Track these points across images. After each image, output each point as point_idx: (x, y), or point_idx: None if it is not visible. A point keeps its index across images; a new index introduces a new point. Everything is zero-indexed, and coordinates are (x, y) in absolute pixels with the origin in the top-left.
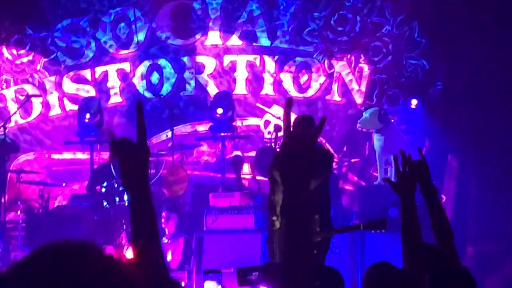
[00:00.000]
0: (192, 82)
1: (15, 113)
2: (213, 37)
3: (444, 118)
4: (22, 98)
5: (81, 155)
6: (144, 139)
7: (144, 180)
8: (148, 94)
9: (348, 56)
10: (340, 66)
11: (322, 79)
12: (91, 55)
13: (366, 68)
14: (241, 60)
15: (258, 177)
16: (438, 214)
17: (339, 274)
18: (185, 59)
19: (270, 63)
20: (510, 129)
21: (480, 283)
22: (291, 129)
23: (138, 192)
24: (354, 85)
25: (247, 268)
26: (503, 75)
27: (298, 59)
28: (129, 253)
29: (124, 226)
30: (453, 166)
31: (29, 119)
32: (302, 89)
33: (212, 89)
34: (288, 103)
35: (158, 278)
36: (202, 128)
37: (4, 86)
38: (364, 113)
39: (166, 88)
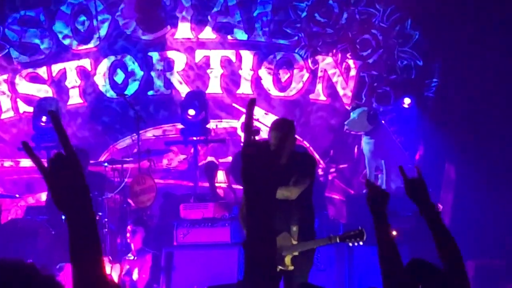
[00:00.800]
0: (160, 81)
1: None
2: (184, 30)
3: (440, 118)
4: None
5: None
6: (71, 150)
7: (80, 197)
8: (111, 94)
9: (334, 51)
10: (325, 62)
11: (305, 76)
12: (47, 51)
13: (353, 64)
14: (215, 56)
15: (234, 186)
16: (442, 236)
17: None
18: (153, 55)
19: (247, 59)
20: None
21: None
22: (253, 135)
23: (75, 211)
24: (340, 83)
25: (222, 286)
26: (506, 72)
27: (278, 54)
28: None
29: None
30: (450, 176)
31: None
32: (282, 87)
33: (183, 88)
34: (250, 104)
35: None
36: (172, 131)
37: None
38: (351, 113)
39: (132, 87)
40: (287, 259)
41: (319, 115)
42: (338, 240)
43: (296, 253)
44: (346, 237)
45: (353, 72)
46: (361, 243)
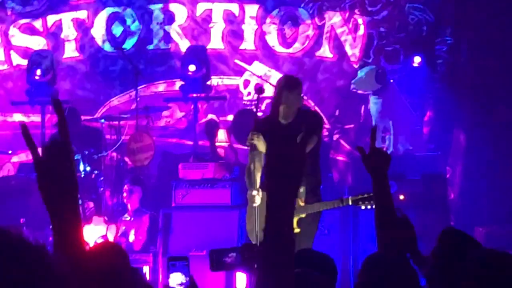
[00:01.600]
0: (160, 35)
1: None
2: None
3: (451, 79)
4: None
5: (32, 118)
6: (68, 142)
7: (68, 195)
8: (109, 48)
9: (342, 6)
10: (331, 18)
11: (311, 32)
12: (43, 1)
13: (361, 20)
14: (218, 9)
15: (235, 145)
16: (384, 218)
17: (331, 260)
18: (153, 7)
19: (251, 13)
20: None
21: None
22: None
23: (60, 207)
24: (348, 40)
25: (222, 249)
26: None
27: (283, 8)
28: (85, 232)
29: (80, 201)
30: (460, 142)
31: None
32: (287, 43)
33: (184, 43)
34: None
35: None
36: (171, 87)
37: None
38: (359, 72)
39: (130, 41)
40: (294, 221)
41: (325, 73)
42: (350, 202)
43: (303, 215)
44: (359, 200)
45: (361, 31)
46: (374, 206)
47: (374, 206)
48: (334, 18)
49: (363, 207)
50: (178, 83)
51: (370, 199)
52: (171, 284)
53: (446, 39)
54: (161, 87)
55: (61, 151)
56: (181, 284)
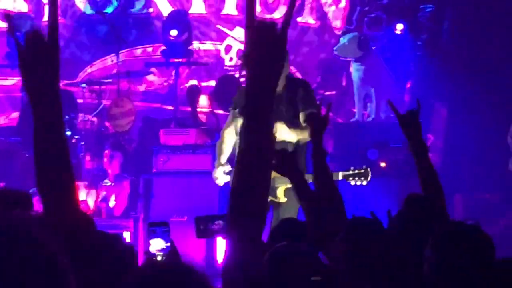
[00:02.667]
0: None
1: None
2: None
3: (434, 47)
4: None
5: (12, 81)
6: (55, 37)
7: (53, 87)
8: (90, 12)
9: None
10: None
11: None
12: None
13: None
14: None
15: (217, 111)
16: (428, 174)
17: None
18: None
19: None
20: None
21: None
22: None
23: (43, 100)
24: (330, 6)
25: (208, 216)
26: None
27: None
28: None
29: None
30: (441, 115)
31: None
32: (270, 8)
33: (165, 7)
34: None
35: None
36: (152, 52)
37: None
38: (341, 38)
39: (112, 4)
40: (280, 191)
41: (306, 39)
42: (340, 177)
43: (289, 185)
44: (349, 176)
45: (343, 3)
46: (364, 183)
47: (364, 183)
48: None
49: (352, 183)
50: (160, 48)
51: (361, 175)
52: (151, 250)
53: (429, 6)
54: (142, 51)
55: (45, 47)
56: (161, 250)
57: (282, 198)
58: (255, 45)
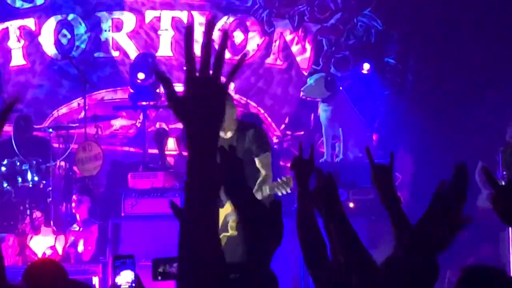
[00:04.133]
0: (109, 42)
1: None
2: None
3: (400, 85)
4: None
5: None
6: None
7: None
8: (56, 56)
9: (291, 13)
10: (281, 25)
11: (260, 39)
12: None
13: (311, 27)
14: (166, 16)
15: (185, 154)
16: (401, 228)
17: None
18: (101, 14)
19: (200, 20)
20: (479, 102)
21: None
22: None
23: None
24: (297, 47)
25: (166, 258)
26: (473, 38)
27: (232, 16)
28: (33, 243)
29: (28, 211)
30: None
31: None
32: (237, 50)
33: (132, 50)
34: (188, 31)
35: None
36: (120, 96)
37: None
38: (308, 79)
39: (78, 48)
40: (232, 224)
41: (275, 80)
42: (268, 191)
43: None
44: (274, 187)
45: (310, 36)
46: (288, 190)
47: (289, 190)
48: (283, 24)
49: (279, 193)
50: (127, 91)
51: (285, 183)
52: (119, 282)
53: (394, 46)
54: (109, 95)
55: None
56: (130, 283)
57: (234, 232)
58: (193, 98)
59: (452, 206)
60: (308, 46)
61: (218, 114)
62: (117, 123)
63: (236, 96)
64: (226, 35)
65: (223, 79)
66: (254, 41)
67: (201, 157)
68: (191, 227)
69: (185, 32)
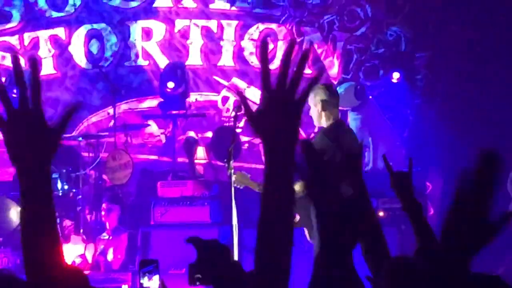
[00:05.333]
0: (138, 51)
1: None
2: None
3: (431, 94)
4: None
5: None
6: (38, 103)
7: (38, 158)
8: (86, 65)
9: (320, 22)
10: (310, 34)
11: None
12: (19, 19)
13: (340, 36)
14: (196, 25)
15: (214, 162)
16: (423, 234)
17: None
18: (131, 24)
19: (229, 29)
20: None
21: None
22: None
23: (29, 167)
24: (327, 56)
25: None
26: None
27: (262, 24)
28: (64, 250)
29: (58, 220)
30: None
31: None
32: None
33: (162, 59)
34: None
35: None
36: (149, 104)
37: None
38: (338, 88)
39: (108, 58)
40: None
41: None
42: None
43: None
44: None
45: (340, 44)
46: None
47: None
48: (312, 33)
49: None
50: (157, 100)
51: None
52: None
53: (424, 54)
54: (139, 104)
55: (29, 116)
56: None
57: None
58: (270, 112)
59: (479, 203)
60: (337, 55)
61: (295, 129)
62: (147, 131)
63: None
64: (307, 53)
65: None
66: (284, 49)
67: (278, 171)
68: (269, 240)
69: (261, 47)
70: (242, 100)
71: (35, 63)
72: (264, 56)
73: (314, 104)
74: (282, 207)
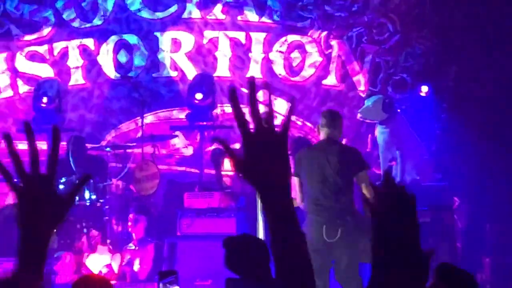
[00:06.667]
0: (167, 62)
1: None
2: (192, 10)
3: (459, 109)
4: None
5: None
6: (53, 172)
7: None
8: (115, 75)
9: (349, 35)
10: (339, 47)
11: (318, 60)
12: (49, 29)
13: (369, 49)
14: (224, 37)
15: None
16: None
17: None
18: (159, 35)
19: (257, 41)
20: None
21: None
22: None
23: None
24: (355, 69)
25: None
26: None
27: (290, 37)
28: (90, 261)
29: (85, 230)
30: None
31: None
32: (294, 71)
33: (190, 70)
34: (251, 85)
35: None
36: (177, 115)
37: None
38: (366, 101)
39: (136, 69)
40: None
41: (332, 102)
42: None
43: None
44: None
45: (368, 57)
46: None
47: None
48: (341, 46)
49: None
50: (185, 111)
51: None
52: None
53: (452, 68)
54: (167, 115)
55: (44, 184)
56: None
57: None
58: (254, 157)
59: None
60: (366, 68)
61: (284, 166)
62: (174, 142)
63: (293, 118)
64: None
65: (278, 129)
66: (311, 62)
67: (278, 219)
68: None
69: (229, 95)
70: (228, 152)
71: (56, 132)
72: (235, 102)
73: None
74: (292, 256)
